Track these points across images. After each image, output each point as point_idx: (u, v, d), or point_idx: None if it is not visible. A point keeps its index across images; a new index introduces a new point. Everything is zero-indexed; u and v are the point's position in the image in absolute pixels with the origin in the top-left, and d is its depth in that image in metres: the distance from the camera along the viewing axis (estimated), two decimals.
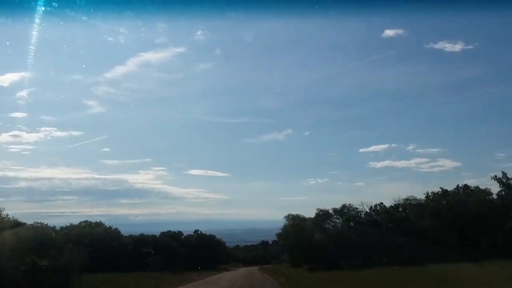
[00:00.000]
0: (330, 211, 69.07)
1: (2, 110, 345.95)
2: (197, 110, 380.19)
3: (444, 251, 57.80)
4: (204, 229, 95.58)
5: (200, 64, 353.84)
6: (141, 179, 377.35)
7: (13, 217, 59.61)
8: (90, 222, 75.24)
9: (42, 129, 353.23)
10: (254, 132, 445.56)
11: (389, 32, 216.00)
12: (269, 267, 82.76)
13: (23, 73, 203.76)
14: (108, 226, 76.60)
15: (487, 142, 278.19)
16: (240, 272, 74.20)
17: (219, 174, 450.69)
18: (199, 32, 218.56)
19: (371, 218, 67.88)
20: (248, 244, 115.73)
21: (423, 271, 44.06)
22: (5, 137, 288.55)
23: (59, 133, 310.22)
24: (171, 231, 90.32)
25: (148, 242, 78.78)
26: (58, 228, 69.26)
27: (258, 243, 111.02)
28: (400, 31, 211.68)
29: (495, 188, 63.50)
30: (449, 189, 66.81)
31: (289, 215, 72.31)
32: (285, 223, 72.24)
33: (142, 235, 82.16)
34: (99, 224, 75.31)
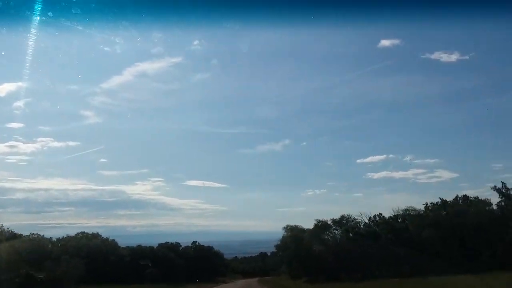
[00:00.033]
0: (329, 222, 68.84)
1: None
2: (194, 121, 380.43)
3: (444, 262, 57.57)
4: (202, 241, 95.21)
5: (197, 74, 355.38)
6: (139, 190, 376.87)
7: (8, 229, 59.58)
8: (87, 233, 74.83)
9: (39, 139, 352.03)
10: (251, 142, 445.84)
11: (385, 42, 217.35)
12: (268, 279, 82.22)
13: (19, 83, 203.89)
14: (105, 237, 76.25)
15: (484, 153, 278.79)
16: (238, 284, 73.69)
17: (217, 185, 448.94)
18: (195, 42, 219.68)
19: (370, 229, 67.63)
20: (247, 255, 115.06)
21: (423, 284, 43.91)
22: (2, 147, 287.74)
23: (56, 144, 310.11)
24: (168, 242, 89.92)
25: (145, 254, 78.32)
26: (55, 240, 69.07)
27: (256, 254, 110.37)
28: (396, 41, 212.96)
29: (494, 198, 63.52)
30: (448, 199, 66.76)
31: (287, 226, 72.10)
32: (284, 234, 71.96)
33: (139, 246, 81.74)
34: (96, 236, 74.90)
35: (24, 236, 61.70)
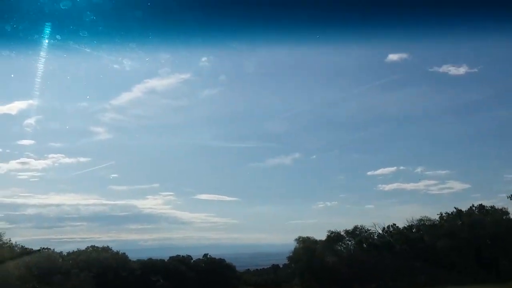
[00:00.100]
0: (342, 233, 68.75)
1: (10, 137, 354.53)
2: (203, 136, 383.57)
3: (460, 272, 57.39)
4: (214, 253, 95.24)
5: (205, 90, 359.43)
6: (150, 204, 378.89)
7: (17, 244, 60.68)
8: (97, 247, 75.52)
9: (50, 155, 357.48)
10: (261, 156, 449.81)
11: (393, 57, 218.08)
12: None
13: (30, 101, 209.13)
14: (115, 251, 76.84)
15: (495, 163, 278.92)
16: None
17: (227, 198, 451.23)
18: (204, 59, 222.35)
19: (384, 239, 67.39)
20: (259, 268, 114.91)
21: None
22: (14, 164, 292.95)
23: (67, 160, 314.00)
24: (180, 255, 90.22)
25: (156, 267, 78.68)
26: (65, 254, 69.97)
27: (268, 266, 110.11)
28: (404, 55, 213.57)
29: (510, 208, 63.32)
30: (462, 209, 66.54)
31: (299, 237, 71.86)
32: (296, 245, 71.75)
33: (150, 259, 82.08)
34: (106, 249, 75.52)
35: (35, 251, 62.73)
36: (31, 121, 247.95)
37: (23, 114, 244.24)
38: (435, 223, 66.00)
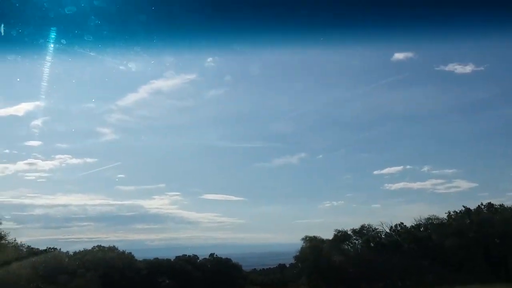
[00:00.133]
0: (349, 232, 68.89)
1: (18, 139, 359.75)
2: (209, 136, 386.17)
3: (468, 271, 57.39)
4: (221, 253, 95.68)
5: (211, 90, 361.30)
6: (156, 204, 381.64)
7: (22, 244, 61.38)
8: (103, 247, 76.18)
9: (57, 156, 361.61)
10: (267, 156, 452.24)
11: (398, 56, 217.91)
12: None
13: (37, 103, 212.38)
14: (121, 250, 77.45)
15: (503, 162, 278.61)
16: None
17: (234, 198, 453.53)
18: (209, 59, 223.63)
19: (392, 238, 67.49)
20: (265, 267, 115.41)
21: None
22: (21, 165, 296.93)
23: (74, 160, 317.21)
24: (186, 255, 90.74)
25: (162, 267, 79.23)
26: (71, 254, 70.68)
27: (275, 266, 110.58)
28: (409, 54, 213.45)
29: None
30: (471, 208, 66.44)
31: (306, 237, 71.94)
32: (303, 245, 71.86)
33: (156, 259, 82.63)
34: (112, 249, 76.11)
35: (41, 251, 63.44)
36: (38, 122, 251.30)
37: (30, 116, 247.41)
38: (443, 221, 65.95)
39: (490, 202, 66.02)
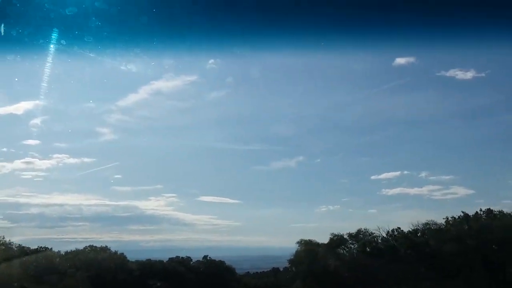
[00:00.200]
0: (345, 236, 69.22)
1: (16, 137, 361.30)
2: (208, 138, 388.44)
3: (466, 278, 57.79)
4: (215, 256, 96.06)
5: (212, 92, 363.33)
6: (152, 205, 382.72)
7: (9, 242, 61.59)
8: (96, 247, 76.37)
9: (55, 156, 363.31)
10: (265, 159, 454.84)
11: (400, 61, 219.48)
12: None
13: (36, 102, 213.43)
14: (114, 251, 77.63)
15: (500, 169, 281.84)
16: None
17: (230, 200, 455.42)
18: (211, 61, 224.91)
19: (389, 243, 67.74)
20: (259, 271, 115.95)
21: None
22: (18, 163, 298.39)
23: (72, 160, 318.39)
24: (179, 256, 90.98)
25: (155, 268, 79.45)
26: (63, 254, 70.84)
27: (269, 269, 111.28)
28: (411, 59, 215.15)
29: None
30: (469, 213, 66.81)
31: (301, 240, 72.06)
32: (298, 248, 72.05)
33: (149, 260, 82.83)
34: (104, 249, 76.27)
35: (32, 250, 63.60)
36: (36, 121, 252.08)
37: (29, 115, 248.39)
38: (441, 227, 66.31)
39: (489, 208, 66.43)
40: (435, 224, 66.91)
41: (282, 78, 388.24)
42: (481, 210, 67.00)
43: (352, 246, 69.37)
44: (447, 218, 66.96)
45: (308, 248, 70.52)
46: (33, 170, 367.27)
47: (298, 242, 72.18)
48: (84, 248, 75.47)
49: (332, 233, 69.45)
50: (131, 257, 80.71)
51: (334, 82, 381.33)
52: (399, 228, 69.40)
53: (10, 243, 61.68)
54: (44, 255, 64.30)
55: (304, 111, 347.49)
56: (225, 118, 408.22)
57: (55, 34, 17.28)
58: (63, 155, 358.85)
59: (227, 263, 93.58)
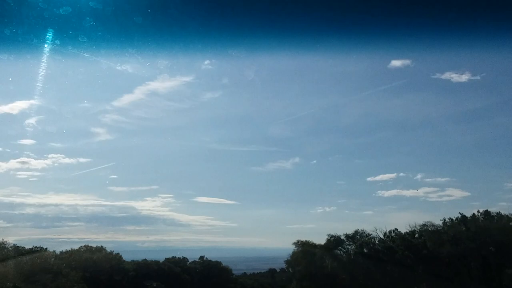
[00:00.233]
0: (342, 237, 69.32)
1: (11, 137, 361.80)
2: (204, 139, 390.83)
3: (464, 280, 57.97)
4: (211, 256, 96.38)
5: (208, 93, 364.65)
6: (148, 206, 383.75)
7: (2, 241, 61.60)
8: (91, 246, 76.37)
9: (50, 155, 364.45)
10: (261, 160, 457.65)
11: (395, 63, 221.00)
12: None
13: (32, 101, 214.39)
14: (109, 251, 77.66)
15: (496, 172, 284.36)
16: None
17: (226, 201, 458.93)
18: (206, 62, 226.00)
19: (386, 244, 67.82)
20: (255, 271, 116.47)
21: None
22: (13, 163, 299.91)
23: (67, 160, 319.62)
24: (175, 257, 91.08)
25: (151, 268, 79.48)
26: (58, 253, 70.88)
27: (265, 270, 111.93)
28: (407, 62, 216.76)
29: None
30: (467, 215, 66.88)
31: (298, 241, 72.02)
32: (294, 249, 72.05)
33: (145, 260, 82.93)
34: (99, 249, 76.28)
35: (26, 250, 63.62)
36: (32, 121, 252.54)
37: (24, 114, 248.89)
38: (439, 228, 66.42)
39: (487, 210, 66.52)
40: (433, 225, 67.03)
41: (278, 79, 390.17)
42: (478, 211, 67.17)
43: (349, 247, 69.45)
44: (445, 220, 67.14)
45: (305, 249, 70.57)
46: (29, 170, 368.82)
47: (294, 243, 72.26)
48: (79, 248, 75.51)
49: (329, 234, 69.57)
50: (127, 257, 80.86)
51: (330, 83, 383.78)
52: (396, 229, 69.53)
53: (3, 243, 61.67)
54: (39, 255, 64.30)
55: (299, 113, 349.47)
56: (221, 119, 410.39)
57: (49, 34, 17.34)
58: (59, 155, 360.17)
59: (224, 263, 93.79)
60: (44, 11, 16.12)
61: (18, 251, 61.43)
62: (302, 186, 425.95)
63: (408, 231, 68.36)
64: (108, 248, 78.37)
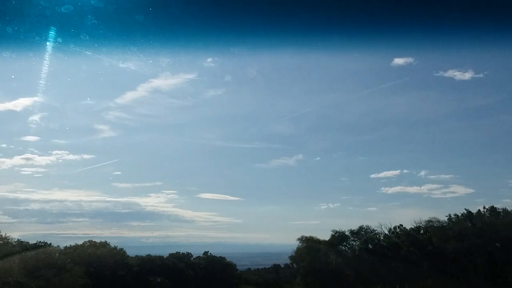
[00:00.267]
0: (347, 233, 69.41)
1: (15, 133, 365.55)
2: (208, 135, 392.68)
3: (469, 276, 58.02)
4: (216, 252, 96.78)
5: (211, 90, 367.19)
6: (152, 202, 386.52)
7: (6, 236, 62.11)
8: (95, 242, 76.87)
9: (54, 152, 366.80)
10: (265, 157, 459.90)
11: (398, 61, 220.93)
12: None
13: (35, 98, 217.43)
14: (113, 246, 78.13)
15: (499, 169, 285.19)
16: None
17: (230, 198, 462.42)
18: (209, 59, 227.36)
19: (391, 240, 67.82)
20: (260, 267, 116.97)
21: None
22: (18, 160, 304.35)
23: (71, 156, 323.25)
24: (179, 252, 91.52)
25: (155, 264, 79.90)
26: (62, 248, 71.45)
27: (270, 266, 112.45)
28: (409, 60, 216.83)
29: None
30: (472, 211, 66.78)
31: (302, 237, 72.14)
32: (299, 245, 72.17)
33: (149, 256, 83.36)
34: (103, 244, 76.73)
35: (31, 245, 64.20)
36: (35, 118, 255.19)
37: (28, 111, 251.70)
38: (444, 225, 66.36)
39: (492, 206, 66.33)
40: (438, 221, 66.96)
41: (280, 77, 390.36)
42: (484, 207, 67.05)
43: (354, 243, 69.52)
44: (450, 216, 67.03)
45: (309, 244, 70.73)
46: (33, 166, 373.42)
47: (299, 239, 72.41)
48: (83, 243, 76.02)
49: (334, 230, 69.67)
50: (131, 253, 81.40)
51: (333, 81, 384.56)
52: (401, 225, 69.48)
53: (7, 238, 62.19)
54: (43, 250, 64.82)
55: (303, 110, 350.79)
56: (224, 116, 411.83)
57: (52, 32, 17.52)
58: (63, 151, 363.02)
59: (228, 259, 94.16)
60: (46, 9, 16.31)
61: (23, 246, 61.96)
62: (305, 183, 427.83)
63: (413, 227, 68.34)
64: (113, 243, 78.99)
